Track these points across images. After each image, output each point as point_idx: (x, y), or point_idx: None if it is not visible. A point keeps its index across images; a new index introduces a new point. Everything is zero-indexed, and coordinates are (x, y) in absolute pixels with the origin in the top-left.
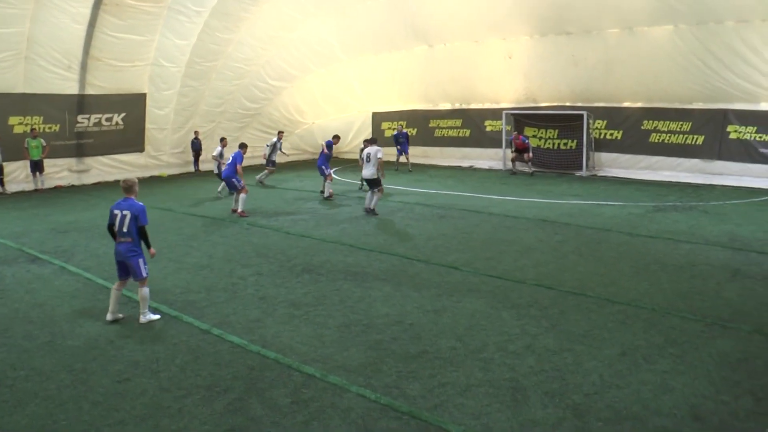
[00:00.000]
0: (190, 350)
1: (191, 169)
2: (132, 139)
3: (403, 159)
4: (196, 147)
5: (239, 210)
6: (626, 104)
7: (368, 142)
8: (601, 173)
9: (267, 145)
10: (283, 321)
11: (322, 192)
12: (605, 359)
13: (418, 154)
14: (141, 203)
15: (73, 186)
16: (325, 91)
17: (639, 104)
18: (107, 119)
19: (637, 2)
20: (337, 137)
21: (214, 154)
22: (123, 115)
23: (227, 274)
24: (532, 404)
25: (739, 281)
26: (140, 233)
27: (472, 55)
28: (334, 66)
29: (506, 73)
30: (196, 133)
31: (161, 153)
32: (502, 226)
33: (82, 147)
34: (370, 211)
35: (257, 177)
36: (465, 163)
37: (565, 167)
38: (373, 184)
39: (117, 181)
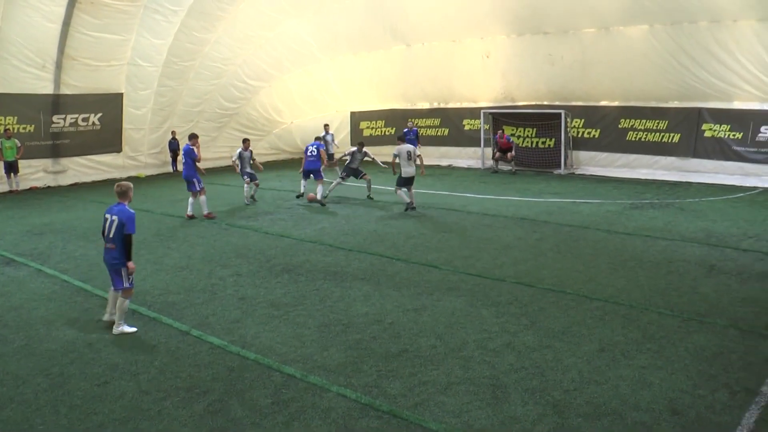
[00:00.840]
0: (169, 352)
1: (169, 169)
2: (109, 139)
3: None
4: (174, 147)
5: (205, 212)
6: (603, 103)
7: (400, 140)
8: (579, 171)
9: (234, 159)
10: (262, 321)
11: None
12: (584, 355)
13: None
14: (131, 210)
15: (49, 187)
16: (303, 90)
17: (616, 103)
18: (83, 119)
19: (613, 2)
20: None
21: (234, 159)
22: (99, 115)
23: (206, 275)
24: (513, 401)
25: (714, 277)
26: (124, 242)
27: (449, 54)
28: (312, 65)
29: (484, 72)
30: (173, 133)
31: (139, 153)
32: (481, 225)
33: (57, 147)
34: (411, 207)
35: (245, 200)
36: (444, 162)
37: (544, 165)
38: (410, 182)
39: (94, 182)
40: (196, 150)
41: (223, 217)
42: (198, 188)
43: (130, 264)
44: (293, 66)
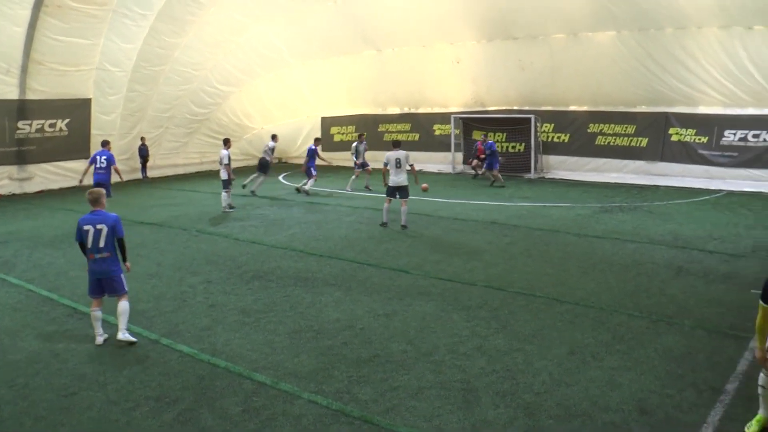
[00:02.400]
0: (138, 361)
1: (139, 176)
2: (77, 145)
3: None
4: (144, 153)
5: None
6: (572, 108)
7: (395, 146)
8: (549, 176)
9: (224, 163)
10: (233, 329)
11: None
12: (555, 358)
13: (368, 158)
14: (114, 213)
15: (14, 195)
16: (274, 95)
17: (585, 108)
18: (50, 125)
19: (581, 9)
20: (318, 139)
21: (266, 151)
22: (67, 120)
23: (176, 283)
24: (484, 404)
25: (682, 279)
26: (119, 246)
27: (420, 59)
28: (283, 70)
29: (454, 77)
30: (143, 139)
31: None
32: (452, 229)
33: (23, 154)
34: (404, 227)
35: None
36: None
37: (514, 170)
38: (405, 192)
39: (62, 189)
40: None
41: (193, 223)
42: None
43: (128, 264)
44: (264, 71)
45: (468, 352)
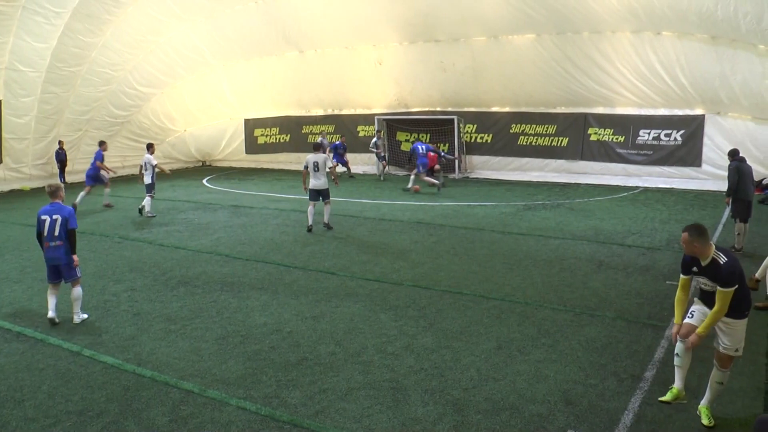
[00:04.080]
0: (58, 374)
1: (57, 181)
2: None
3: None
4: (62, 158)
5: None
6: (495, 109)
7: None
8: (473, 175)
9: (147, 164)
10: (159, 337)
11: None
12: (482, 354)
13: (291, 160)
14: (69, 207)
15: None
16: (196, 97)
17: (507, 109)
18: None
19: (501, 12)
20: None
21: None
22: None
23: (99, 292)
24: (413, 402)
25: (603, 272)
26: (69, 237)
27: (342, 61)
28: (205, 71)
29: (377, 79)
30: (60, 143)
31: (22, 165)
32: (378, 230)
33: None
34: (329, 226)
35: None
36: (339, 169)
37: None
38: (326, 194)
39: None
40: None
41: (115, 230)
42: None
43: (76, 257)
44: (186, 72)
45: (396, 352)
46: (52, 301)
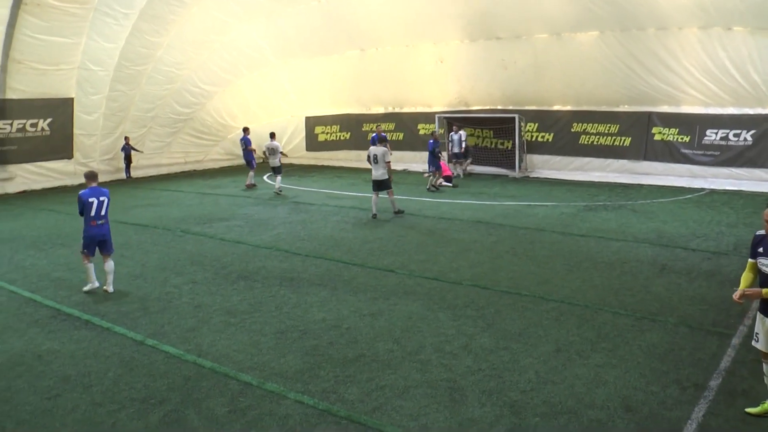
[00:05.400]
0: (123, 362)
1: (122, 176)
2: (59, 145)
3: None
4: (128, 153)
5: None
6: (556, 107)
7: (378, 142)
8: (533, 175)
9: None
10: (218, 329)
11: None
12: (540, 356)
13: (351, 158)
14: (105, 189)
15: None
16: (258, 95)
17: (568, 107)
18: (32, 125)
19: (564, 9)
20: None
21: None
22: (49, 120)
23: (161, 283)
24: (470, 403)
25: (665, 276)
26: None
27: (403, 59)
28: (266, 69)
29: (438, 77)
30: (126, 139)
31: (90, 160)
32: (437, 228)
33: (4, 154)
34: (399, 212)
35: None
36: (399, 167)
37: (502, 165)
38: (384, 185)
39: (44, 190)
40: None
41: (177, 224)
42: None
43: None
44: (247, 70)
45: (454, 351)
46: (92, 271)
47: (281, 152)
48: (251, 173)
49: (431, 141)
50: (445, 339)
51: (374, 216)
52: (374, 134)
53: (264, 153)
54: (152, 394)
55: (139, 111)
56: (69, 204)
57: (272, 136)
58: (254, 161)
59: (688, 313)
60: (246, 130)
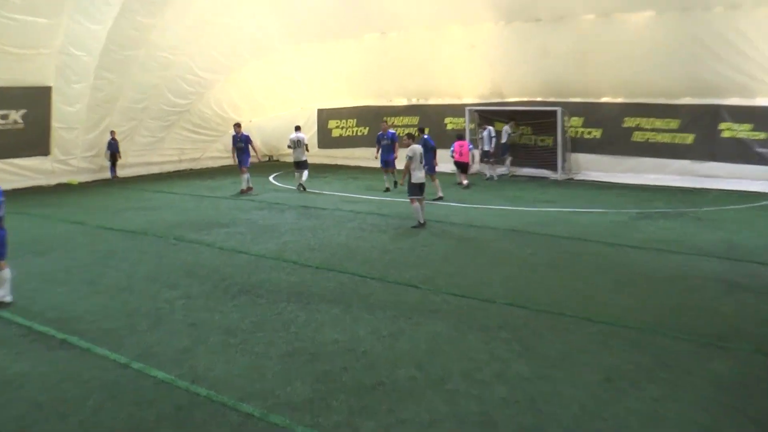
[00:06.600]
0: (105, 388)
1: (107, 175)
2: (34, 140)
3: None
4: (114, 149)
5: None
6: (605, 99)
7: (411, 137)
8: (578, 177)
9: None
10: (216, 351)
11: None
12: (586, 386)
13: (370, 156)
14: None
15: None
16: (264, 84)
17: (619, 99)
18: (3, 117)
19: None
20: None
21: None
22: (23, 112)
23: (151, 297)
24: None
25: (736, 295)
26: None
27: (429, 44)
28: (273, 56)
29: (469, 64)
30: (112, 133)
31: (71, 157)
32: (466, 238)
33: None
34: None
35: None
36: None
37: (541, 166)
38: (423, 189)
39: (16, 190)
40: None
41: (171, 230)
42: None
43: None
44: (252, 56)
45: (486, 379)
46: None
47: (306, 145)
48: (246, 176)
49: (426, 137)
50: (475, 365)
51: (422, 224)
52: (388, 132)
53: (288, 146)
54: (139, 425)
55: (128, 102)
56: (48, 206)
57: (298, 128)
58: (248, 160)
59: (763, 339)
60: (239, 125)
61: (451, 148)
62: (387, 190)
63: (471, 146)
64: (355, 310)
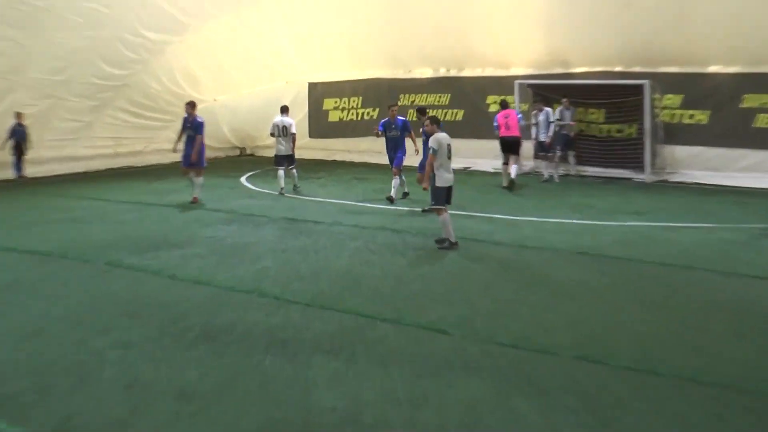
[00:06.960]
0: None
1: (10, 174)
2: None
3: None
4: (19, 139)
5: None
6: (713, 69)
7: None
8: (674, 178)
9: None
10: (164, 423)
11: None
12: None
13: (381, 149)
14: None
15: None
16: (235, 49)
17: (734, 69)
18: None
19: None
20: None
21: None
22: None
23: (73, 346)
24: None
25: None
26: None
27: None
28: (248, 9)
29: (518, 23)
30: (18, 116)
31: None
32: (516, 262)
33: None
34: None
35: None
36: (457, 164)
37: (620, 164)
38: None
39: None
40: None
41: (102, 252)
42: None
43: None
44: (219, 10)
45: None
46: None
47: (293, 135)
48: (201, 179)
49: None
50: None
51: (454, 244)
52: (398, 119)
53: (271, 134)
54: None
55: (41, 72)
56: None
57: (284, 110)
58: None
59: None
60: (193, 105)
61: (495, 121)
62: (390, 199)
63: (521, 116)
64: (360, 365)
